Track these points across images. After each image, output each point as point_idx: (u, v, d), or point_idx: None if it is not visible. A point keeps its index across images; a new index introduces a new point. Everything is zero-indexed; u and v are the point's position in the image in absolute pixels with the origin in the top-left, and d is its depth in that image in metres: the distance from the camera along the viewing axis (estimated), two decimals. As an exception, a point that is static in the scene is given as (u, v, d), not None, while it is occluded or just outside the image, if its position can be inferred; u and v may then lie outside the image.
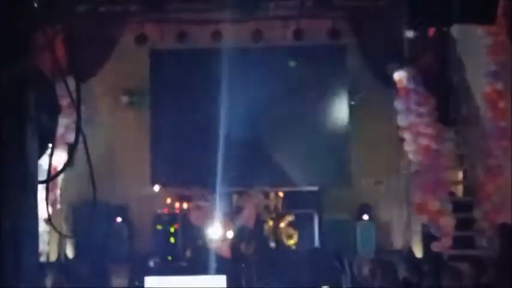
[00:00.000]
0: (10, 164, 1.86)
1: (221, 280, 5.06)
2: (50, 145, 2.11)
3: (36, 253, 2.09)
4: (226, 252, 9.56)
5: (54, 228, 6.69)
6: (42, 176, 2.14)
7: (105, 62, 10.62)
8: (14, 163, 1.88)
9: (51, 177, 2.19)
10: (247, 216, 10.57)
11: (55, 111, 2.07)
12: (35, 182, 2.02)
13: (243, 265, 8.55)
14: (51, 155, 2.22)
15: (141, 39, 11.08)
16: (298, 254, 10.17)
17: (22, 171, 1.91)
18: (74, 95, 2.20)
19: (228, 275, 5.19)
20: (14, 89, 1.85)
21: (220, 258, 9.10)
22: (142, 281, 5.08)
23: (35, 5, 2.00)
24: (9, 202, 1.93)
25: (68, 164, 2.34)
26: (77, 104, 2.19)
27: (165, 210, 11.02)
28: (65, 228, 10.65)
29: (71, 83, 2.14)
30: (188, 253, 9.89)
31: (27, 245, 2.00)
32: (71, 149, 2.29)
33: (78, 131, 2.25)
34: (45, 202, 2.25)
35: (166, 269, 9.31)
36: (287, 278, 7.24)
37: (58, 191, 10.09)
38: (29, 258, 2.00)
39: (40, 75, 2.00)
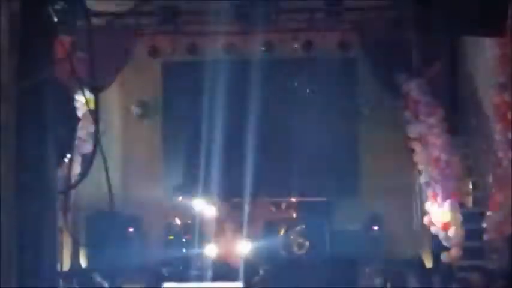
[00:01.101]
0: (30, 173, 1.93)
1: (237, 286, 5.13)
2: (69, 155, 2.19)
3: (55, 262, 2.16)
4: (236, 262, 9.63)
5: (70, 234, 6.75)
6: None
7: (118, 74, 10.77)
8: (34, 172, 1.95)
9: (70, 187, 2.27)
10: (257, 227, 10.63)
11: (74, 121, 2.15)
12: (54, 192, 2.09)
13: (259, 273, 8.61)
14: (69, 165, 2.30)
15: (153, 51, 11.23)
16: (311, 262, 10.19)
17: (42, 180, 1.98)
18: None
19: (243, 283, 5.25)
20: (33, 99, 1.92)
21: (230, 268, 9.17)
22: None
23: (54, 18, 2.08)
24: (29, 211, 1.99)
25: (86, 174, 2.43)
26: (95, 115, 2.27)
27: (178, 220, 11.09)
28: (77, 237, 10.74)
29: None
30: (199, 263, 9.97)
31: (47, 254, 2.06)
32: (88, 159, 2.38)
33: (97, 141, 2.33)
34: (64, 214, 2.33)
35: (180, 277, 9.37)
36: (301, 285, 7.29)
37: (71, 201, 10.21)
38: (49, 267, 2.07)
39: (59, 86, 2.07)
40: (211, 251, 10.03)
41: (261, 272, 9.81)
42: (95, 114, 2.25)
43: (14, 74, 1.89)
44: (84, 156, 7.97)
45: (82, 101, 2.21)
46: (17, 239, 1.97)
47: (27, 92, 1.96)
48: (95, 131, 2.30)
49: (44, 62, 2.02)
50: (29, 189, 1.98)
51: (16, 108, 1.91)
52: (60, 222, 2.51)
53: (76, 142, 7.64)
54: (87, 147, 8.30)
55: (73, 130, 2.23)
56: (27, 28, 2.00)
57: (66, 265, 10.53)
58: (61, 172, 2.27)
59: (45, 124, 2.01)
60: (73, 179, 2.48)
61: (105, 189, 2.47)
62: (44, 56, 2.02)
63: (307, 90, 11.39)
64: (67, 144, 2.20)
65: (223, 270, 9.04)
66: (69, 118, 2.18)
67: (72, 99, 2.19)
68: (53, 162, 2.08)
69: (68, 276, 9.37)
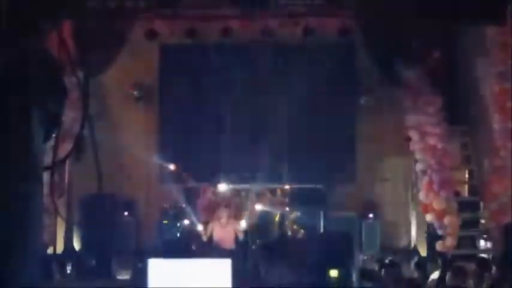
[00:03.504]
0: (15, 147, 1.86)
1: (226, 263, 5.07)
2: (55, 131, 2.12)
3: (40, 238, 2.10)
4: (229, 245, 9.63)
5: (61, 216, 6.70)
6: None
7: (116, 57, 10.69)
8: (19, 147, 1.87)
9: (55, 164, 2.20)
10: (253, 213, 10.62)
11: (62, 95, 2.07)
12: (39, 168, 2.01)
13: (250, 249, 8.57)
14: (56, 142, 2.22)
15: (151, 34, 11.15)
16: (305, 240, 10.19)
17: (27, 155, 1.91)
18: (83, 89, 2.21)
19: (233, 259, 5.19)
20: (20, 69, 1.84)
21: (225, 252, 9.16)
22: (146, 263, 5.11)
23: None
24: (13, 187, 1.92)
25: (72, 152, 2.35)
26: (84, 94, 2.20)
27: (171, 206, 11.07)
28: (72, 221, 10.73)
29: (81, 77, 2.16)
30: (193, 247, 9.94)
31: (32, 231, 2.01)
32: (77, 139, 2.31)
33: (84, 121, 2.27)
34: (52, 194, 2.27)
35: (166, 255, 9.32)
36: (294, 261, 7.23)
37: (66, 184, 10.18)
38: (34, 244, 2.01)
39: (48, 57, 2.00)
40: (205, 236, 10.01)
41: (253, 247, 9.83)
42: (85, 94, 2.17)
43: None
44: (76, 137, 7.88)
45: (74, 81, 2.14)
46: (0, 214, 1.90)
47: (14, 60, 1.87)
48: (84, 110, 2.23)
49: (34, 32, 1.94)
50: (13, 164, 1.90)
51: (0, 76, 1.84)
52: (53, 206, 2.45)
53: (72, 124, 7.58)
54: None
55: (61, 103, 2.14)
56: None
57: (60, 247, 10.54)
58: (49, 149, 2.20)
59: (31, 96, 1.93)
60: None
61: (101, 173, 2.41)
62: (34, 26, 1.94)
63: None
64: (55, 118, 2.11)
65: (215, 251, 9.05)
66: (58, 90, 2.09)
67: (61, 72, 2.10)
68: (39, 137, 2.00)
69: (60, 257, 9.33)
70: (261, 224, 10.62)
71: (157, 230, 10.95)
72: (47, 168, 2.13)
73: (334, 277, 6.17)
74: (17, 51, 1.78)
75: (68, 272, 8.77)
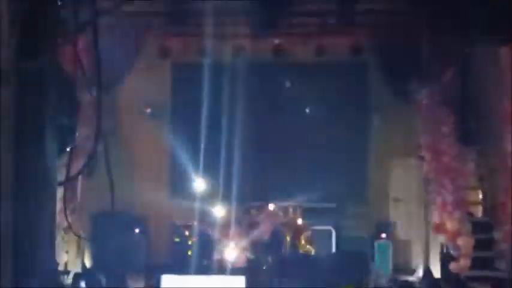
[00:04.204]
0: (29, 162, 1.87)
1: (240, 280, 5.03)
2: (69, 147, 2.12)
3: (53, 251, 2.10)
4: (241, 264, 9.58)
5: (74, 233, 6.70)
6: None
7: (128, 74, 10.75)
8: (33, 161, 1.88)
9: (69, 179, 2.20)
10: (264, 231, 10.56)
11: (75, 111, 2.08)
12: (53, 182, 2.03)
13: (264, 267, 8.52)
14: (69, 158, 2.23)
15: (163, 52, 11.21)
16: (318, 257, 10.13)
17: (41, 170, 1.92)
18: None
19: (247, 276, 5.15)
20: (34, 84, 1.86)
21: (237, 269, 9.12)
22: (159, 281, 5.07)
23: (58, 2, 2.02)
24: (27, 201, 1.93)
25: (86, 167, 2.36)
26: (98, 111, 2.21)
27: (184, 223, 11.04)
28: (83, 237, 10.70)
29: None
30: (205, 263, 9.91)
31: (44, 243, 2.01)
32: (90, 155, 2.31)
33: (98, 137, 2.27)
34: (64, 210, 2.26)
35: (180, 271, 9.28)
36: (308, 278, 7.18)
37: (77, 201, 10.18)
38: (46, 256, 2.01)
39: (61, 72, 2.01)
40: (217, 254, 9.98)
41: (264, 267, 9.77)
42: (98, 111, 2.18)
43: (14, 55, 1.82)
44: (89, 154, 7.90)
45: (88, 99, 2.14)
46: (14, 229, 1.90)
47: (28, 76, 1.88)
48: (96, 128, 2.23)
49: (46, 45, 1.95)
50: (28, 179, 1.91)
51: (16, 92, 1.84)
52: (66, 223, 2.45)
53: (85, 141, 7.60)
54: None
55: (74, 119, 2.15)
56: (32, 13, 1.93)
57: (71, 265, 10.51)
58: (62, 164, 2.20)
59: (45, 111, 1.94)
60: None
61: (113, 189, 2.40)
62: (47, 39, 1.95)
63: (307, 110, 11.34)
64: (68, 133, 2.12)
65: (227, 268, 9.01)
66: (71, 106, 2.10)
67: (75, 88, 2.11)
68: (53, 151, 2.01)
69: (72, 275, 9.31)
70: (273, 242, 10.57)
71: (169, 247, 10.91)
72: (60, 184, 2.14)
73: None
74: (33, 64, 1.78)
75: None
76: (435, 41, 9.84)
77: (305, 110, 10.82)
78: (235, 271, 8.68)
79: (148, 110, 11.61)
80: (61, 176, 2.22)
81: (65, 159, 2.22)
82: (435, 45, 9.94)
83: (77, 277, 9.05)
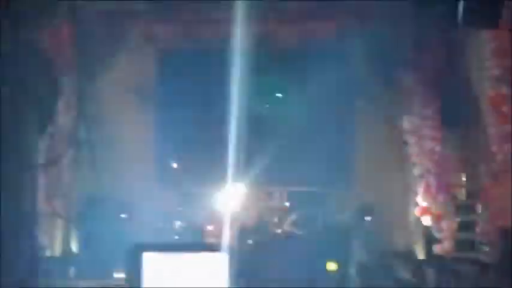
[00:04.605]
0: (8, 142, 1.88)
1: (223, 257, 5.04)
2: (50, 126, 2.13)
3: (35, 233, 2.13)
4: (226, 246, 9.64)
5: (60, 217, 6.72)
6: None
7: (113, 60, 10.71)
8: (12, 141, 1.89)
9: (50, 162, 2.22)
10: (250, 215, 10.63)
11: (55, 90, 2.09)
12: (32, 164, 2.04)
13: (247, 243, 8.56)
14: (50, 140, 2.25)
15: (149, 38, 11.17)
16: (302, 237, 10.23)
17: (20, 150, 1.93)
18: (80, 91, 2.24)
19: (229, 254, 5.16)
20: (15, 63, 1.86)
21: (219, 246, 9.17)
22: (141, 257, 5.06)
23: None
24: (7, 182, 1.95)
25: (66, 151, 2.38)
26: (80, 97, 2.23)
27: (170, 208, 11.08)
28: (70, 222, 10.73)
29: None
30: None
31: (26, 225, 2.03)
32: (71, 137, 2.34)
33: (80, 122, 2.30)
34: (48, 194, 2.29)
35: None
36: (292, 255, 7.26)
37: (63, 186, 10.17)
38: (28, 239, 2.04)
39: (43, 55, 2.02)
40: (202, 239, 10.04)
41: (249, 241, 9.85)
42: (81, 96, 2.20)
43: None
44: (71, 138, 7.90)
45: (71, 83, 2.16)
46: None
47: (9, 55, 1.90)
48: (79, 113, 2.26)
49: (28, 26, 1.96)
50: (8, 159, 1.93)
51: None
52: (52, 208, 2.47)
53: (71, 126, 7.60)
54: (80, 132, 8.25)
55: (55, 99, 2.17)
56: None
57: (57, 249, 10.54)
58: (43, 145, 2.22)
59: (24, 89, 1.95)
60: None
61: (98, 175, 2.44)
62: (29, 20, 1.96)
63: (278, 95, 11.42)
64: (48, 114, 2.14)
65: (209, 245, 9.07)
66: (51, 87, 2.12)
67: (55, 70, 2.13)
68: (33, 131, 2.03)
69: (58, 260, 9.36)
70: (258, 226, 10.64)
71: (154, 232, 10.95)
72: (42, 165, 2.16)
73: (332, 270, 6.19)
74: (14, 44, 1.79)
75: (67, 272, 8.80)
76: (420, 25, 9.89)
77: (282, 95, 10.87)
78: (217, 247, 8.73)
79: (133, 96, 11.58)
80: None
81: (47, 143, 2.24)
82: (420, 29, 9.99)
83: (64, 260, 9.09)
